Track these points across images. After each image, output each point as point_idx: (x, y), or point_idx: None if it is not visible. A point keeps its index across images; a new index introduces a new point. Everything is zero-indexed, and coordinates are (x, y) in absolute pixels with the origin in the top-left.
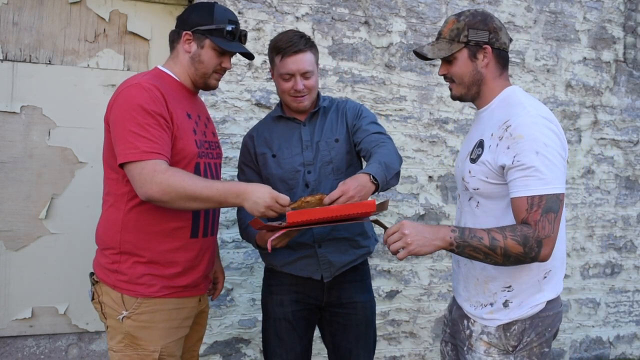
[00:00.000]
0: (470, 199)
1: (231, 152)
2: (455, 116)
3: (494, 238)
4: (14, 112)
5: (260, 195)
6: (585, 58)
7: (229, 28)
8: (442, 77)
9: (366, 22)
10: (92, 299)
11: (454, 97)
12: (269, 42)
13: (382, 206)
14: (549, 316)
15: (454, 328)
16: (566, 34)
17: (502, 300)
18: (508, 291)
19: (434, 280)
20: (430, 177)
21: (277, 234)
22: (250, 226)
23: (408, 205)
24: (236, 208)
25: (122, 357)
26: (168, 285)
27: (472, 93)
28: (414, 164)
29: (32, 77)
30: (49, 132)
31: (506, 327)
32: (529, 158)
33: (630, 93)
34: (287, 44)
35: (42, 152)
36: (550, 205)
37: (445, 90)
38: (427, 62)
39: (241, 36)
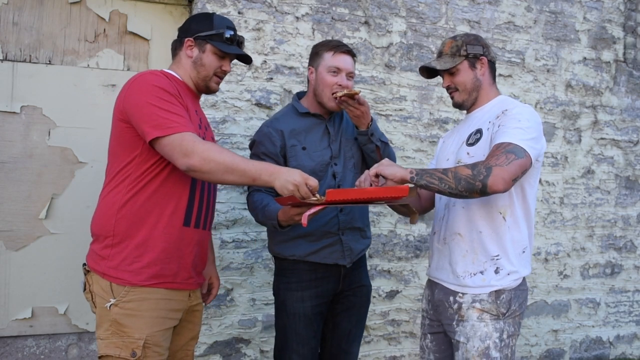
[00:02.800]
0: None
1: None
2: (455, 116)
3: (446, 168)
4: (14, 112)
5: (289, 179)
6: (585, 58)
7: (228, 34)
8: (446, 88)
9: (366, 22)
10: (84, 289)
11: (455, 104)
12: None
13: (413, 192)
14: (524, 291)
15: (438, 311)
16: (566, 34)
17: (492, 268)
18: (497, 259)
19: None
20: None
21: (313, 210)
22: (269, 205)
23: None
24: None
25: (108, 345)
26: (156, 274)
27: (472, 99)
28: (414, 164)
29: (32, 77)
30: (49, 132)
31: (497, 294)
32: (510, 124)
33: (630, 93)
34: (340, 43)
35: (42, 152)
36: (514, 150)
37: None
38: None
39: (239, 42)
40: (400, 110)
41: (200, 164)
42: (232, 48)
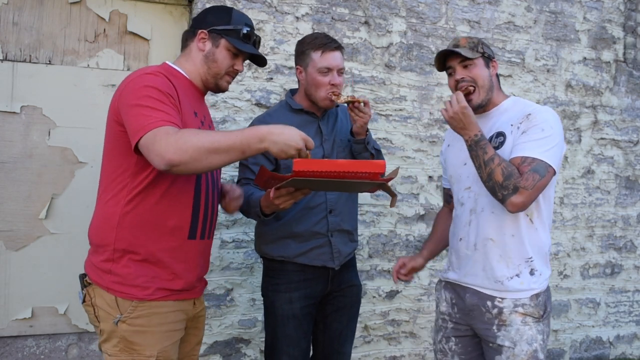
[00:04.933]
0: None
1: None
2: None
3: (492, 159)
4: (14, 112)
5: (290, 138)
6: (585, 58)
7: (245, 31)
8: (457, 82)
9: (366, 22)
10: (83, 301)
11: (476, 106)
12: (296, 43)
13: (393, 173)
14: (549, 290)
15: (470, 315)
16: (566, 34)
17: (527, 270)
18: (531, 261)
19: (434, 280)
20: (430, 177)
21: (280, 184)
22: (254, 194)
23: (408, 205)
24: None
25: None
26: (163, 288)
27: (488, 98)
28: (414, 164)
29: (32, 77)
30: (49, 132)
31: (535, 297)
32: (534, 132)
33: (630, 93)
34: (327, 40)
35: (42, 152)
36: (539, 168)
37: (445, 90)
38: (427, 62)
39: (256, 42)
40: (400, 110)
41: (179, 156)
42: (247, 46)
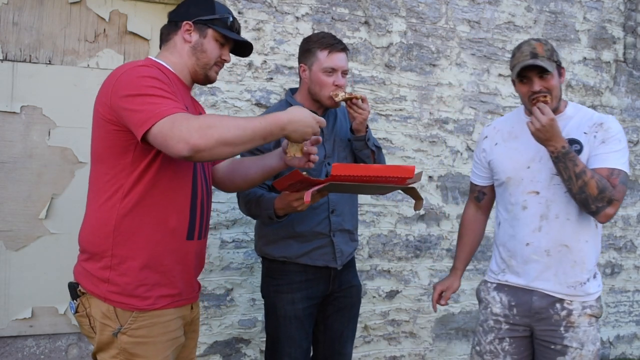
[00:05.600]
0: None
1: None
2: (455, 116)
3: (584, 171)
4: (14, 112)
5: (308, 122)
6: (585, 58)
7: (231, 19)
8: (533, 92)
9: (366, 22)
10: (76, 311)
11: None
12: (301, 42)
13: (417, 176)
14: None
15: (536, 317)
16: (566, 34)
17: (592, 274)
18: (595, 265)
19: (434, 280)
20: (430, 177)
21: (317, 187)
22: (264, 195)
23: (408, 205)
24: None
25: None
26: (163, 295)
27: (556, 107)
28: (413, 164)
29: (32, 77)
30: (49, 132)
31: (598, 298)
32: (613, 143)
33: (630, 93)
34: (334, 41)
35: (42, 152)
36: (624, 179)
37: (445, 90)
38: (427, 62)
39: (239, 30)
40: (400, 110)
41: (205, 140)
42: (234, 35)
